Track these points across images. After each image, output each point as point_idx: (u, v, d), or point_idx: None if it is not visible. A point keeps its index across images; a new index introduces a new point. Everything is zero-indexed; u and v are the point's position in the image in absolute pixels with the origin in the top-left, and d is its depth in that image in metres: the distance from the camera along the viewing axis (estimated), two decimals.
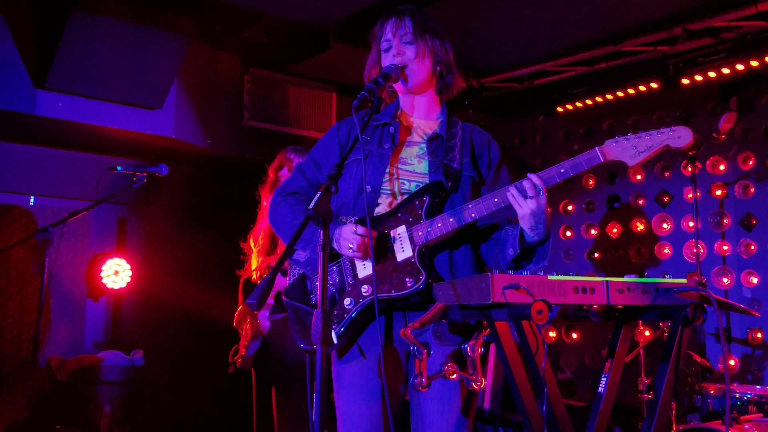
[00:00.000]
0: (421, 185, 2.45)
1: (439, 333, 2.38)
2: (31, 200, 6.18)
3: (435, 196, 2.40)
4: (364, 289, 2.37)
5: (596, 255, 6.54)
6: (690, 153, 4.61)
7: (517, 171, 6.14)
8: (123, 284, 6.30)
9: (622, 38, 5.49)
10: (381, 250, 2.38)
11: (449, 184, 2.43)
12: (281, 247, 3.80)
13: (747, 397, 4.04)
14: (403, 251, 2.37)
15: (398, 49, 2.51)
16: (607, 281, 2.08)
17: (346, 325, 2.36)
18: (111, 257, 6.32)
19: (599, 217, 6.56)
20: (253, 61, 6.09)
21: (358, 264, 2.42)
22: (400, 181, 2.47)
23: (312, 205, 1.97)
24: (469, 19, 5.27)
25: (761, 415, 3.94)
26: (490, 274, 1.98)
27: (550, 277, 2.03)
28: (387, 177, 2.47)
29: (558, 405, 2.06)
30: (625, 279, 2.11)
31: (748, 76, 5.43)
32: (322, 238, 2.00)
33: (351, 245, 2.34)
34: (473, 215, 2.33)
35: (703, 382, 4.44)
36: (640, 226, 6.23)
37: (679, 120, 5.94)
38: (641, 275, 2.15)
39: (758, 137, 5.60)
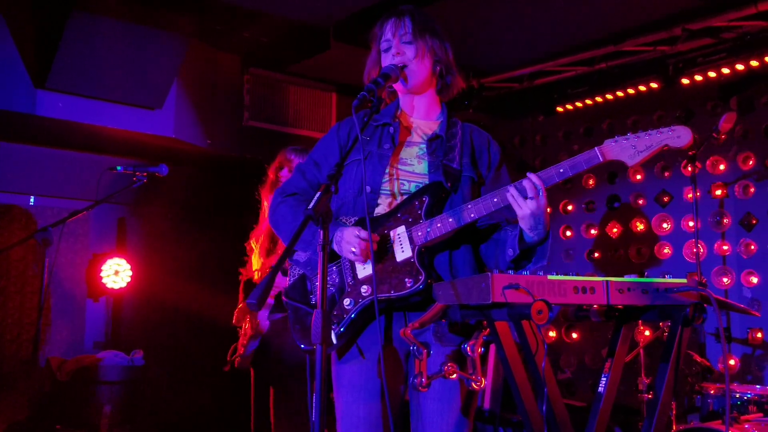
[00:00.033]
0: (421, 186, 2.45)
1: (440, 334, 2.38)
2: (31, 200, 6.18)
3: (435, 196, 2.40)
4: (364, 289, 2.37)
5: (596, 255, 6.54)
6: (690, 153, 4.61)
7: (517, 171, 6.14)
8: (123, 284, 6.30)
9: (622, 38, 5.49)
10: (380, 250, 2.38)
11: (449, 184, 2.43)
12: (282, 248, 3.80)
13: (747, 397, 4.04)
14: (403, 251, 2.37)
15: (398, 48, 2.51)
16: (607, 281, 2.08)
17: (346, 325, 2.36)
18: (111, 257, 6.32)
19: (599, 216, 6.56)
20: (253, 61, 6.09)
21: (358, 264, 2.42)
22: (400, 181, 2.47)
23: (312, 205, 1.97)
24: (469, 19, 5.27)
25: (761, 414, 3.94)
26: (489, 273, 1.98)
27: (550, 277, 2.03)
28: (387, 177, 2.47)
29: (558, 405, 2.06)
30: (625, 279, 2.11)
31: (748, 76, 5.43)
32: (321, 238, 2.00)
33: (353, 249, 2.34)
34: (472, 215, 2.33)
35: (703, 382, 4.44)
36: (640, 226, 6.23)
37: (679, 120, 5.94)
38: (641, 275, 2.15)
39: (758, 137, 5.60)
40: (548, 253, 2.34)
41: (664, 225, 6.09)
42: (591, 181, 6.61)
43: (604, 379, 2.23)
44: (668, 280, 2.15)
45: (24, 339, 5.90)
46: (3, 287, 5.86)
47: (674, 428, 4.08)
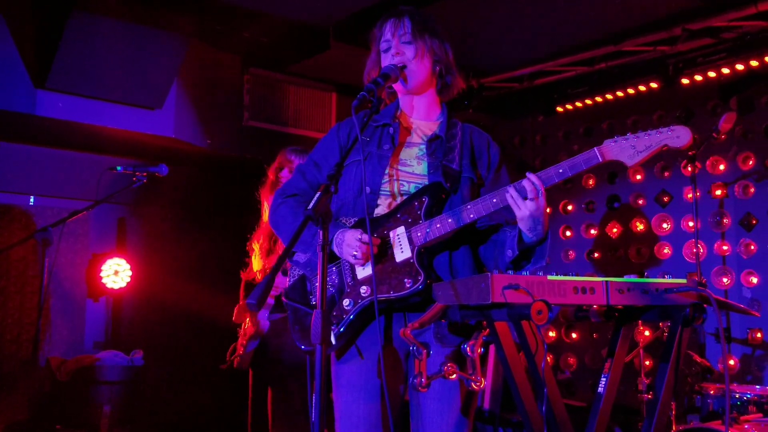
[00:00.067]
0: (421, 186, 2.45)
1: (440, 334, 2.38)
2: (31, 200, 6.18)
3: (434, 197, 2.40)
4: (363, 290, 2.37)
5: (596, 255, 6.54)
6: (690, 153, 4.61)
7: (517, 171, 6.14)
8: (123, 284, 6.30)
9: (622, 38, 5.49)
10: (380, 251, 2.38)
11: (448, 185, 2.43)
12: (281, 248, 3.80)
13: (747, 397, 4.04)
14: (402, 252, 2.37)
15: (397, 49, 2.51)
16: (606, 281, 2.08)
17: (345, 325, 2.36)
18: (111, 257, 6.32)
19: (599, 217, 6.56)
20: (253, 61, 6.09)
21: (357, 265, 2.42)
22: (400, 182, 2.47)
23: (311, 205, 1.97)
24: (469, 19, 5.27)
25: (761, 415, 3.94)
26: (489, 274, 1.98)
27: (549, 278, 2.03)
28: (386, 178, 2.47)
29: (558, 405, 2.06)
30: (625, 279, 2.11)
31: (747, 76, 5.43)
32: (321, 238, 2.00)
33: (355, 252, 2.34)
34: (472, 216, 2.33)
35: (702, 382, 4.44)
36: (640, 226, 6.23)
37: (678, 120, 5.94)
38: (641, 275, 2.15)
39: (758, 137, 5.60)
40: (547, 254, 2.34)
41: (664, 225, 6.09)
42: (591, 181, 6.61)
43: (604, 379, 2.23)
44: (668, 280, 2.15)
45: (24, 339, 5.90)
46: (3, 287, 5.86)
47: (674, 428, 4.08)
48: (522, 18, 5.30)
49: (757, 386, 4.12)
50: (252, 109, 6.14)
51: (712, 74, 5.52)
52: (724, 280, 5.66)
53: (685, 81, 5.66)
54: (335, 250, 2.41)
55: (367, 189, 2.44)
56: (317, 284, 1.99)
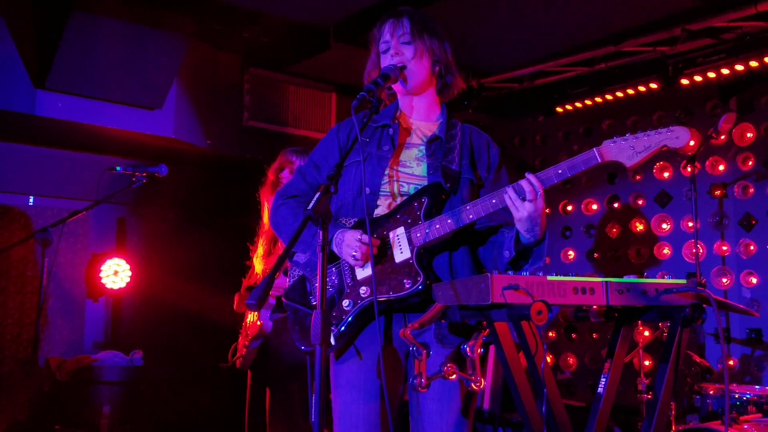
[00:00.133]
0: (420, 187, 2.45)
1: (440, 335, 2.38)
2: (31, 200, 6.17)
3: (434, 197, 2.40)
4: (363, 290, 2.37)
5: (596, 255, 6.54)
6: (689, 153, 4.61)
7: (517, 171, 6.14)
8: (122, 284, 6.30)
9: (621, 38, 5.49)
10: (380, 251, 2.38)
11: (448, 185, 2.43)
12: (281, 248, 3.80)
13: (746, 398, 4.04)
14: (402, 253, 2.37)
15: (396, 49, 2.51)
16: (606, 282, 2.08)
17: (345, 326, 2.36)
18: (110, 257, 6.32)
19: (599, 217, 6.56)
20: (253, 61, 6.09)
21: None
22: (399, 183, 2.47)
23: (311, 205, 1.97)
24: (469, 19, 5.27)
25: (760, 415, 3.94)
26: (489, 274, 1.97)
27: (549, 278, 2.03)
28: (386, 179, 2.47)
29: (557, 405, 2.06)
30: (625, 279, 2.11)
31: (747, 76, 5.44)
32: (321, 238, 2.00)
33: (354, 253, 2.34)
34: (471, 216, 2.33)
35: (702, 382, 4.44)
36: (640, 227, 6.23)
37: (678, 121, 5.94)
38: (641, 276, 2.15)
39: (758, 138, 5.60)
40: (545, 254, 2.34)
41: (664, 225, 6.09)
42: (590, 182, 6.61)
43: (604, 379, 2.23)
44: (668, 280, 2.15)
45: (24, 339, 5.90)
46: (3, 287, 5.86)
47: (673, 428, 4.08)
48: (522, 18, 5.30)
49: (757, 386, 4.12)
50: (252, 109, 6.14)
51: (711, 75, 5.52)
52: (724, 280, 5.66)
53: (684, 81, 5.66)
54: (335, 250, 2.41)
55: (367, 190, 2.45)
56: (317, 285, 1.99)
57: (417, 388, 2.14)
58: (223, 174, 6.59)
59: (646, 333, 4.48)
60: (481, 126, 2.71)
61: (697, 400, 4.30)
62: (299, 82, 6.35)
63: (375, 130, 2.57)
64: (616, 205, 6.46)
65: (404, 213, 2.40)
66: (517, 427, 4.75)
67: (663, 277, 2.16)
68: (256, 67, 6.12)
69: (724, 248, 5.70)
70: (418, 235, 2.36)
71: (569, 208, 6.77)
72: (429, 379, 2.14)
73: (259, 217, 4.00)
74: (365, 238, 2.34)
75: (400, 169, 2.49)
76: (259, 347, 3.84)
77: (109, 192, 4.41)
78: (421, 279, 2.31)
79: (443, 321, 2.33)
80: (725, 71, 5.46)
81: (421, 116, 2.61)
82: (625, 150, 2.23)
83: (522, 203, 2.24)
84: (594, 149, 2.25)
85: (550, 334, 6.59)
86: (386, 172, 2.47)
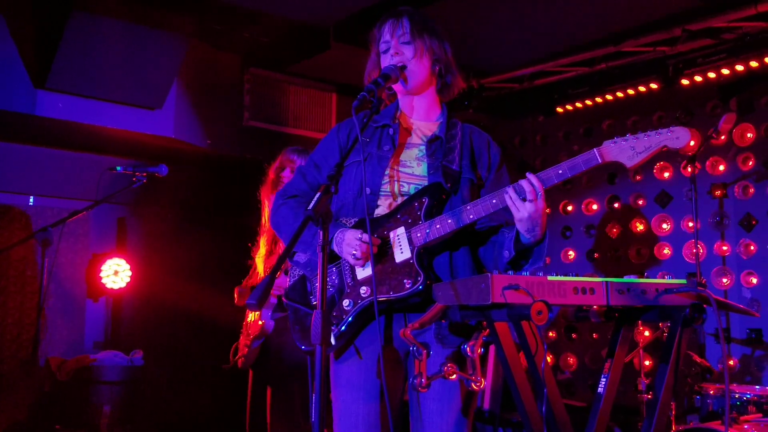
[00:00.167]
0: (421, 187, 2.45)
1: (441, 335, 2.38)
2: (31, 200, 6.18)
3: (434, 197, 2.40)
4: (363, 290, 2.38)
5: (596, 255, 6.54)
6: (689, 153, 4.61)
7: (518, 171, 6.13)
8: (123, 284, 6.30)
9: (622, 39, 5.49)
10: (380, 251, 2.38)
11: (448, 185, 2.43)
12: (282, 248, 3.80)
13: (746, 398, 4.04)
14: (402, 253, 2.37)
15: (396, 49, 2.51)
16: (606, 282, 2.08)
17: (345, 325, 2.37)
18: (111, 257, 6.32)
19: (599, 217, 6.56)
20: (253, 61, 6.09)
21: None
22: (400, 183, 2.47)
23: (311, 205, 1.98)
24: (469, 19, 5.27)
25: (760, 415, 3.94)
26: (489, 274, 1.97)
27: (549, 278, 2.03)
28: (386, 179, 2.47)
29: (558, 405, 2.06)
30: (625, 279, 2.11)
31: (747, 76, 5.43)
32: (321, 238, 2.00)
33: (354, 252, 2.35)
34: (471, 216, 2.33)
35: (702, 382, 4.44)
36: (640, 227, 6.23)
37: (678, 121, 5.95)
38: (641, 276, 2.15)
39: (758, 138, 5.60)
40: (545, 254, 2.34)
41: (664, 225, 6.09)
42: (591, 182, 6.61)
43: (604, 379, 2.23)
44: (668, 280, 2.15)
45: (24, 339, 5.90)
46: (3, 287, 5.86)
47: (674, 428, 4.08)
48: (522, 18, 5.30)
49: (757, 386, 4.12)
50: (252, 109, 6.14)
51: (712, 75, 5.52)
52: (724, 280, 5.66)
53: (685, 82, 5.66)
54: (335, 249, 2.41)
55: (367, 190, 2.45)
56: (317, 284, 1.99)
57: (417, 388, 2.14)
58: (223, 174, 6.59)
59: (647, 333, 4.48)
60: (482, 126, 2.71)
61: (698, 400, 4.30)
62: (299, 82, 6.35)
63: (375, 130, 2.57)
64: (616, 205, 6.46)
65: (405, 213, 2.40)
66: (517, 427, 4.75)
67: (663, 278, 2.16)
68: (256, 67, 6.12)
69: (725, 248, 5.70)
70: (419, 235, 2.36)
71: (569, 208, 6.77)
72: (429, 379, 2.14)
73: (259, 217, 4.00)
74: (366, 237, 2.34)
75: (400, 169, 2.49)
76: (260, 347, 3.84)
77: (109, 192, 4.42)
78: (421, 279, 2.31)
79: (443, 321, 2.33)
80: (725, 71, 5.46)
81: (421, 116, 2.61)
82: (625, 150, 2.23)
83: (522, 203, 2.24)
84: (594, 149, 2.26)
85: (551, 334, 6.59)
86: (386, 172, 2.47)
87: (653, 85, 5.87)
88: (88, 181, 5.35)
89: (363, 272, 2.40)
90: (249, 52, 6.00)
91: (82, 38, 4.87)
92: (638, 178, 6.26)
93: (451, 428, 2.36)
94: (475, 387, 2.19)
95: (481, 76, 6.28)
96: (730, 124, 4.34)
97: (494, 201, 2.31)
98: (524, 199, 2.24)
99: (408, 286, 2.31)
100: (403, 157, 2.51)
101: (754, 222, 5.59)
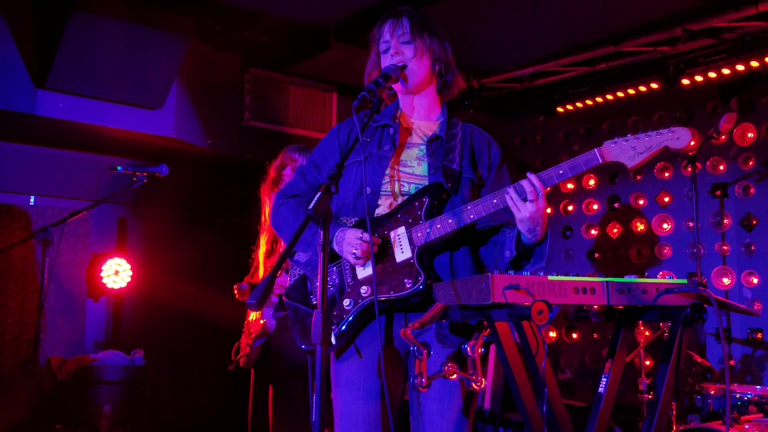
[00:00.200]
0: (421, 187, 2.45)
1: (441, 335, 2.38)
2: (31, 200, 6.18)
3: (435, 197, 2.40)
4: (363, 290, 2.37)
5: (596, 255, 6.54)
6: (690, 153, 4.61)
7: (518, 171, 6.14)
8: (123, 284, 6.31)
9: (622, 38, 5.49)
10: (380, 251, 2.38)
11: (449, 185, 2.43)
12: (283, 247, 3.80)
13: (747, 398, 4.04)
14: (402, 252, 2.37)
15: (396, 48, 2.51)
16: (607, 282, 2.08)
17: (346, 325, 2.36)
18: (111, 257, 6.33)
19: (599, 217, 6.56)
20: (253, 61, 6.09)
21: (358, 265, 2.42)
22: (400, 182, 2.47)
23: (312, 205, 1.98)
24: (469, 19, 5.27)
25: (761, 415, 3.94)
26: (490, 274, 1.97)
27: (550, 278, 2.03)
28: (387, 179, 2.47)
29: (558, 405, 2.06)
30: (626, 279, 2.11)
31: (748, 76, 5.43)
32: (322, 238, 2.00)
33: (355, 251, 2.34)
34: (472, 216, 2.33)
35: (703, 382, 4.44)
36: (641, 227, 6.23)
37: (679, 121, 5.94)
38: (641, 275, 2.14)
39: (758, 138, 5.60)
40: (547, 254, 2.34)
41: (665, 225, 6.09)
42: (591, 182, 6.61)
43: (605, 379, 2.23)
44: (668, 280, 2.15)
45: (24, 339, 5.90)
46: (3, 287, 5.86)
47: (674, 428, 4.08)
48: (522, 18, 5.30)
49: (758, 386, 4.12)
50: (252, 109, 6.14)
51: (712, 75, 5.52)
52: (725, 280, 5.66)
53: (685, 81, 5.66)
54: (335, 248, 2.41)
55: (368, 189, 2.45)
56: (318, 284, 1.99)
57: (418, 388, 2.14)
58: (224, 174, 6.59)
59: (647, 333, 4.48)
60: (482, 126, 2.71)
61: (698, 400, 4.30)
62: (299, 82, 6.35)
63: (375, 130, 2.57)
64: (616, 205, 6.46)
65: (405, 212, 2.40)
66: (517, 427, 4.75)
67: (664, 277, 2.16)
68: (256, 67, 6.12)
69: (725, 248, 5.70)
70: (419, 234, 2.36)
71: (570, 207, 6.77)
72: (430, 378, 2.14)
73: (260, 216, 4.00)
74: (366, 236, 2.34)
75: (400, 168, 2.49)
76: (262, 346, 3.84)
77: (109, 192, 4.42)
78: (421, 279, 2.31)
79: (444, 321, 2.33)
80: (726, 71, 5.45)
81: (421, 116, 2.61)
82: (626, 151, 2.23)
83: (523, 203, 2.24)
84: (595, 150, 2.25)
85: (551, 333, 6.59)
86: (387, 171, 2.47)
87: (654, 85, 5.86)
88: (88, 181, 5.35)
89: (363, 272, 2.40)
90: (249, 52, 6.00)
91: (83, 38, 4.87)
92: (639, 178, 6.26)
93: (452, 428, 2.36)
94: (475, 387, 2.19)
95: (481, 76, 6.28)
96: (730, 123, 4.34)
97: (495, 201, 2.31)
98: (525, 199, 2.24)
99: (408, 285, 2.31)
100: (403, 156, 2.51)
101: (754, 222, 5.58)
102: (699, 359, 4.42)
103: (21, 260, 5.94)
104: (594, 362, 6.38)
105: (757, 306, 5.44)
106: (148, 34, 5.08)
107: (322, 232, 2.00)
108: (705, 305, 2.14)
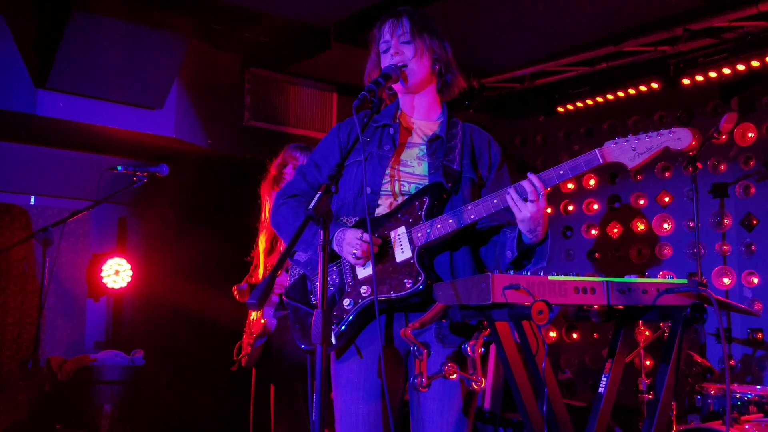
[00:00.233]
0: (421, 187, 2.45)
1: (442, 335, 2.38)
2: (32, 200, 6.18)
3: (435, 197, 2.40)
4: (363, 289, 2.37)
5: (597, 255, 6.54)
6: (690, 153, 4.60)
7: (518, 171, 6.14)
8: (123, 284, 6.31)
9: (622, 38, 5.49)
10: (380, 251, 2.38)
11: (449, 185, 2.43)
12: (283, 246, 3.80)
13: (747, 398, 4.04)
14: (403, 252, 2.37)
15: (396, 48, 2.51)
16: (607, 281, 2.08)
17: (346, 325, 2.36)
18: (111, 257, 6.33)
19: (600, 217, 6.55)
20: (253, 61, 6.09)
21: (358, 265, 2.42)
22: (401, 182, 2.47)
23: (312, 205, 1.98)
24: (469, 19, 5.27)
25: (761, 415, 3.93)
26: (490, 274, 1.97)
27: (550, 278, 2.02)
28: (387, 179, 2.47)
29: (558, 405, 2.06)
30: (626, 279, 2.11)
31: (748, 76, 5.43)
32: (322, 238, 2.00)
33: (355, 251, 2.34)
34: (472, 216, 2.33)
35: (703, 382, 4.44)
36: (641, 226, 6.23)
37: (679, 120, 5.94)
38: (642, 275, 2.14)
39: (759, 137, 5.60)
40: (548, 254, 2.34)
41: (665, 225, 6.09)
42: (592, 182, 6.60)
43: (605, 379, 2.23)
44: (668, 280, 2.15)
45: (24, 339, 5.90)
46: (3, 287, 5.86)
47: (674, 428, 4.08)
48: (522, 18, 5.30)
49: (758, 386, 4.11)
50: (252, 109, 6.14)
51: (713, 74, 5.51)
52: (725, 280, 5.66)
53: (686, 81, 5.65)
54: (335, 248, 2.41)
55: (368, 189, 2.45)
56: (318, 284, 1.99)
57: (418, 388, 2.14)
58: (224, 174, 6.59)
59: (647, 333, 4.48)
60: (482, 126, 2.71)
61: (698, 400, 4.30)
62: (299, 82, 6.35)
63: (376, 130, 2.57)
64: (617, 204, 6.46)
65: (405, 212, 2.40)
66: (517, 427, 4.75)
67: (664, 277, 2.16)
68: (256, 67, 6.12)
69: (726, 248, 5.69)
70: (420, 234, 2.36)
71: (570, 207, 6.77)
72: (430, 378, 2.14)
73: (260, 216, 4.00)
74: (366, 236, 2.34)
75: (401, 168, 2.49)
76: (263, 345, 3.84)
77: (109, 192, 4.42)
78: (422, 278, 2.31)
79: (444, 320, 2.33)
80: (726, 71, 5.45)
81: (421, 115, 2.61)
82: (627, 151, 2.23)
83: (524, 203, 2.24)
84: (596, 150, 2.25)
85: (551, 333, 6.59)
86: (387, 171, 2.47)
87: (654, 85, 5.86)
88: (88, 180, 5.36)
89: (363, 272, 2.40)
90: (249, 52, 6.00)
91: (83, 38, 4.87)
92: (639, 177, 6.26)
93: (452, 428, 2.36)
94: (475, 387, 2.18)
95: (481, 76, 6.28)
96: (731, 123, 4.34)
97: (495, 201, 2.31)
98: (525, 200, 2.24)
99: (408, 285, 2.31)
100: (403, 156, 2.51)
101: (755, 222, 5.58)
102: (699, 359, 4.42)
103: (21, 260, 5.94)
104: (594, 362, 6.38)
105: (758, 306, 5.44)
106: (149, 34, 5.08)
107: (322, 232, 1.99)
108: (705, 305, 2.14)
